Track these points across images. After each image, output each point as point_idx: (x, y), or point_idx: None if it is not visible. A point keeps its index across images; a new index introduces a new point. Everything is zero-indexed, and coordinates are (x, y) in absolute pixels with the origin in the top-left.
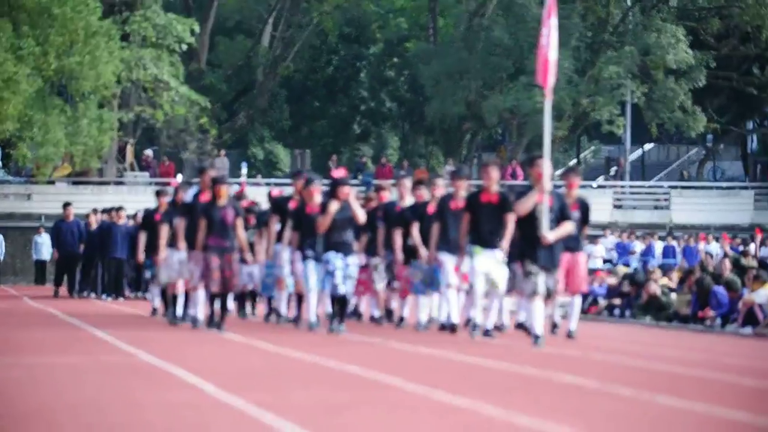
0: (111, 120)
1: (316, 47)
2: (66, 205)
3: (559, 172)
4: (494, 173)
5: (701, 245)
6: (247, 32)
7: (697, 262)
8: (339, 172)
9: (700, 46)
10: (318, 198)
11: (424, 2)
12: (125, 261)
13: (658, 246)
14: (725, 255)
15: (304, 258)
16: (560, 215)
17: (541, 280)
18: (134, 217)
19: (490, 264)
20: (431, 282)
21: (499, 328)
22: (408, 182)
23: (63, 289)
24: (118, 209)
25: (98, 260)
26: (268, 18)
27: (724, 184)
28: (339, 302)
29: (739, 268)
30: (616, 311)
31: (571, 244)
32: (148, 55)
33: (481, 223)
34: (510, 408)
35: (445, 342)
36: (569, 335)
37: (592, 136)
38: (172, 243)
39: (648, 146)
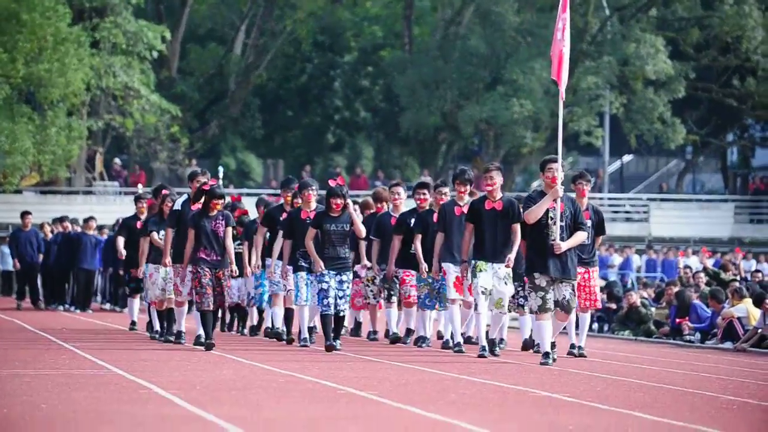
0: (80, 128)
1: (289, 55)
2: (24, 214)
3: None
4: (497, 178)
5: (680, 260)
6: (219, 40)
7: (676, 276)
8: (335, 182)
9: (680, 56)
10: (313, 204)
11: (399, 10)
12: (95, 272)
13: (636, 259)
14: (704, 269)
15: (296, 269)
16: (573, 222)
17: (550, 295)
18: (114, 226)
19: (494, 281)
20: (439, 298)
21: (499, 342)
22: (402, 190)
23: (26, 302)
24: (88, 219)
25: (68, 271)
26: (240, 25)
27: (704, 197)
28: (335, 320)
29: (718, 282)
30: (594, 325)
31: (585, 256)
32: (118, 63)
33: (485, 233)
34: (482, 423)
35: (429, 357)
36: (579, 353)
37: (570, 148)
38: (156, 258)
39: (627, 158)
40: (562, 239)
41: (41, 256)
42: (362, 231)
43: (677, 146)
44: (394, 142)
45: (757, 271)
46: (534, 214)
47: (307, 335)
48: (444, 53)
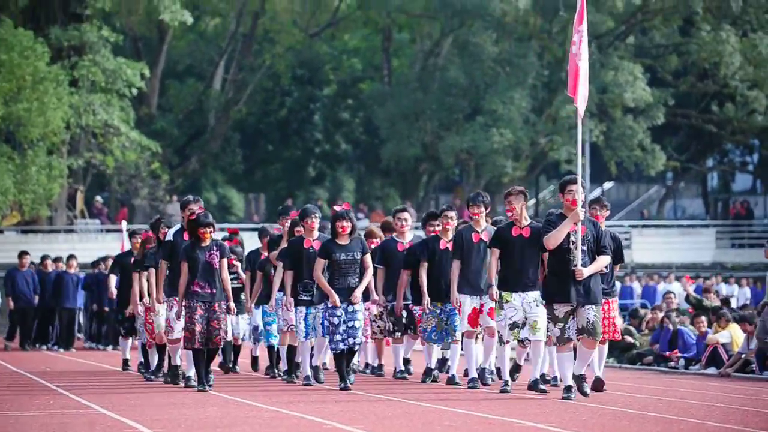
0: (60, 167)
1: (268, 90)
2: (22, 254)
3: None
4: (516, 202)
5: (661, 285)
6: (198, 75)
7: (661, 301)
8: (340, 206)
9: (658, 83)
10: (316, 233)
11: (378, 42)
12: (77, 311)
13: (619, 286)
14: (687, 297)
15: (296, 303)
16: (596, 246)
17: (570, 325)
18: (97, 263)
19: (524, 308)
20: (446, 331)
21: (548, 380)
22: (409, 216)
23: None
24: (69, 258)
25: (52, 310)
26: (219, 61)
27: (685, 223)
28: (348, 354)
29: (701, 309)
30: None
31: (604, 286)
32: (97, 101)
33: (512, 261)
34: None
35: (415, 391)
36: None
37: (551, 176)
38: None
39: (607, 185)
40: (584, 264)
41: (37, 297)
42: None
43: (657, 172)
44: (375, 173)
45: (728, 296)
46: (554, 239)
47: (309, 373)
48: (423, 85)
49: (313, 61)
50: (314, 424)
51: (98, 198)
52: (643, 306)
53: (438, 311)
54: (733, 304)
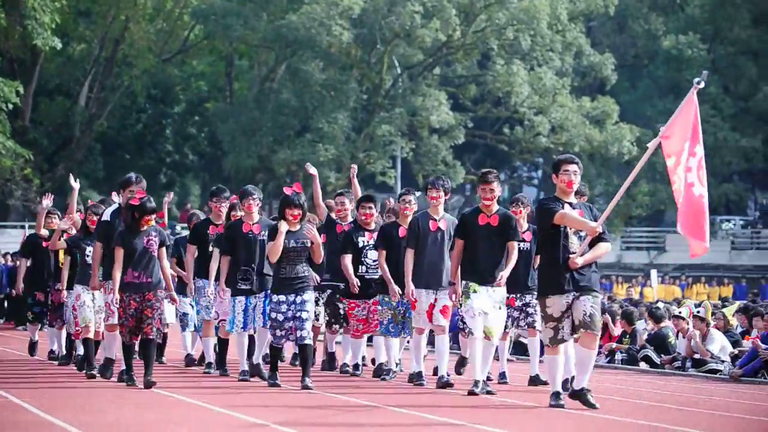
0: None
1: (126, 107)
2: None
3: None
4: (497, 189)
5: None
6: (66, 93)
7: None
8: (291, 189)
9: (459, 108)
10: (256, 216)
11: (222, 68)
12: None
13: None
14: None
15: (234, 293)
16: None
17: (564, 324)
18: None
19: (488, 306)
20: (405, 324)
21: (500, 378)
22: (348, 201)
23: None
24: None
25: None
26: (84, 81)
27: None
28: (301, 350)
29: None
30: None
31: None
32: None
33: (479, 251)
34: (285, 422)
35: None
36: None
37: (368, 186)
38: (84, 278)
39: (418, 194)
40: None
41: None
42: (320, 256)
43: (458, 184)
44: (217, 181)
45: None
46: (567, 219)
47: (246, 368)
48: (260, 105)
49: (165, 83)
50: (162, 396)
51: None
52: None
53: (395, 303)
54: None
